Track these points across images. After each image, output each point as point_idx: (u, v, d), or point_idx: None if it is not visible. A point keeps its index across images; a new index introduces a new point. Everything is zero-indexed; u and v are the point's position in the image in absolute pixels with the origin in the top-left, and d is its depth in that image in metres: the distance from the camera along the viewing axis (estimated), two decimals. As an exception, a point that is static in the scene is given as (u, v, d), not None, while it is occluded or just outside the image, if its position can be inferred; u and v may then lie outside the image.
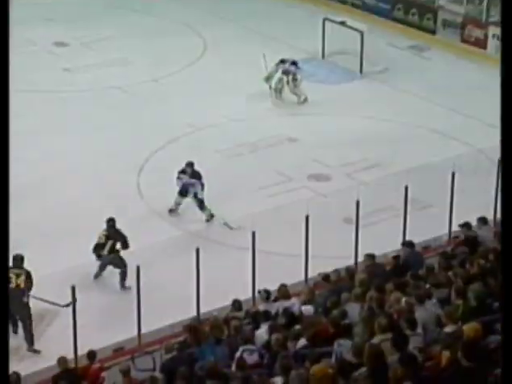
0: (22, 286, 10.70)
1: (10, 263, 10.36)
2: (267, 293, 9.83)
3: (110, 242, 11.75)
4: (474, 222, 11.01)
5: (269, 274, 10.71)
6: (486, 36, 19.55)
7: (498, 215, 12.04)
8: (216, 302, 10.34)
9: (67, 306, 10.20)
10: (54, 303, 10.78)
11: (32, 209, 13.20)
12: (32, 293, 10.72)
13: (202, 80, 18.44)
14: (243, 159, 15.13)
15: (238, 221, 12.58)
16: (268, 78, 17.53)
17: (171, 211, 13.44)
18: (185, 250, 12.13)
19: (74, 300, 9.89)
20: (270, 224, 12.07)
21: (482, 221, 11.03)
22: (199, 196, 13.23)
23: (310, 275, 11.05)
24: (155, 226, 12.91)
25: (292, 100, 17.44)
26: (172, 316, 10.38)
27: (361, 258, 10.90)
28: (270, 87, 17.47)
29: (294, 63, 17.53)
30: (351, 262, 11.19)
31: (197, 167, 13.36)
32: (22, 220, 11.92)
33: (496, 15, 19.62)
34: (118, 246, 11.78)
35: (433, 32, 20.67)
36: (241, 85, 18.06)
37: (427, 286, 8.97)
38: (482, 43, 19.64)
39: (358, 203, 11.18)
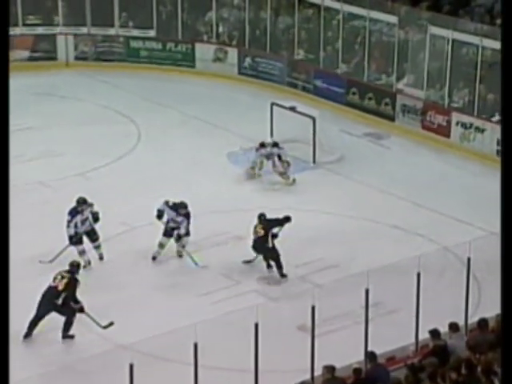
0: (60, 288, 12.66)
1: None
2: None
3: (270, 234, 14.36)
4: (443, 328, 11.04)
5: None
6: (448, 123, 19.99)
7: (470, 320, 12.10)
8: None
9: (108, 326, 12.56)
10: (97, 323, 12.66)
11: None
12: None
13: (137, 172, 18.48)
14: (185, 261, 15.04)
15: (179, 332, 12.43)
16: (254, 168, 18.20)
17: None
18: (118, 366, 11.90)
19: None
20: (215, 334, 11.93)
21: (453, 327, 11.05)
22: (182, 231, 14.93)
23: (260, 392, 10.92)
24: (88, 338, 12.68)
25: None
26: None
27: (318, 371, 10.80)
28: (259, 175, 18.18)
29: (276, 145, 18.25)
30: (307, 376, 11.08)
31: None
32: None
33: (459, 100, 20.13)
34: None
35: (391, 118, 21.12)
36: (180, 178, 18.14)
37: (393, 402, 8.90)
38: (444, 130, 20.07)
39: (313, 309, 11.12)
